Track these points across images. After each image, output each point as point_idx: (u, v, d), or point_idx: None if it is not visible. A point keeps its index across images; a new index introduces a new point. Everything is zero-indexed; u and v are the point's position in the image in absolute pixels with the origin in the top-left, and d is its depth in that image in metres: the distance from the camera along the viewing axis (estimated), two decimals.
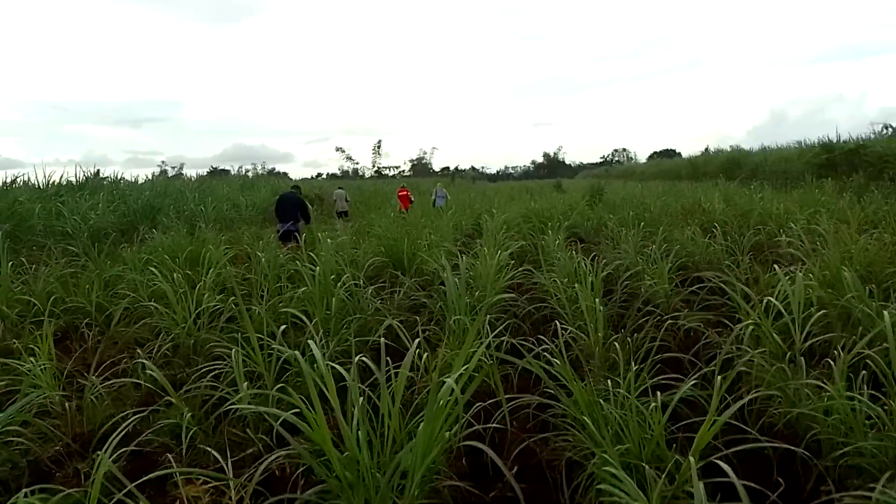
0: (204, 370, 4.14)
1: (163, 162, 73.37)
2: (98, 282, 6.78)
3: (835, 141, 20.38)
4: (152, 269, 6.64)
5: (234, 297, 5.80)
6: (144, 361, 4.16)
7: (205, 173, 36.13)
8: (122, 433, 2.94)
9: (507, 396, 3.22)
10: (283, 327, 4.25)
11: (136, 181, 20.59)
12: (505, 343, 4.53)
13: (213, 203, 17.48)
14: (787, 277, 4.41)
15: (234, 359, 3.78)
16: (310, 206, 13.03)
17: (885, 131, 21.01)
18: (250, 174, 37.80)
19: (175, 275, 6.23)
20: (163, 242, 9.32)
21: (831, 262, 5.48)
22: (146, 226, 12.70)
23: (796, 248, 6.79)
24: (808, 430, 3.19)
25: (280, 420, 2.69)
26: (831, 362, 3.42)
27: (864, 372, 3.27)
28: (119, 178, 19.75)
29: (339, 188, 21.03)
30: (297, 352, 2.94)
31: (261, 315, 4.92)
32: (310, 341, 2.92)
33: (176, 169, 40.43)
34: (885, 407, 3.00)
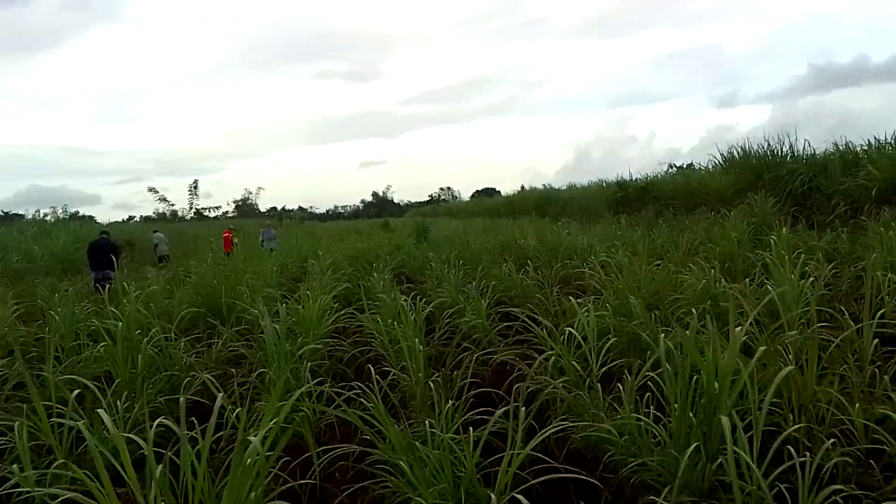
0: None
1: None
2: None
3: (628, 179, 22.76)
4: None
5: (17, 363, 5.19)
6: None
7: None
8: None
9: (326, 447, 3.18)
10: (76, 392, 3.86)
11: None
12: (325, 391, 4.47)
13: (1, 254, 15.53)
14: (584, 309, 4.82)
15: (17, 433, 3.36)
16: (119, 251, 12.45)
17: (670, 170, 23.94)
18: (49, 218, 34.07)
19: None
20: None
21: (623, 292, 6.08)
22: None
23: (596, 280, 7.45)
24: (605, 452, 3.48)
25: (65, 498, 2.44)
26: (621, 388, 3.78)
27: (648, 394, 3.66)
28: None
29: (156, 231, 19.87)
30: (82, 422, 2.68)
31: (51, 380, 4.41)
32: (100, 410, 2.67)
33: None
34: (666, 425, 3.36)
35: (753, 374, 3.07)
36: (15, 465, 3.12)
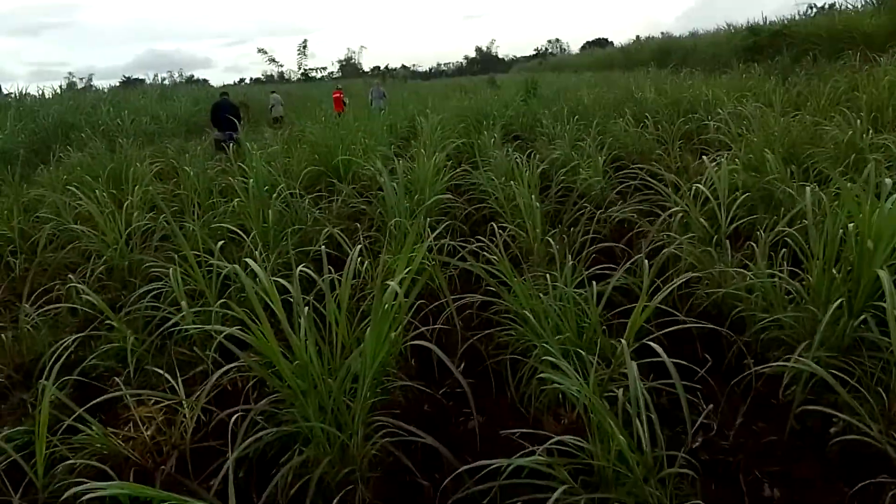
0: (142, 292, 4.05)
1: (70, 73, 68.12)
2: (17, 207, 6.42)
3: (762, 23, 20.54)
4: (73, 189, 6.30)
5: (164, 215, 5.64)
6: (78, 286, 4.05)
7: (117, 84, 33.86)
8: (64, 360, 2.90)
9: (453, 296, 3.30)
10: (220, 243, 4.17)
11: (44, 96, 19.15)
12: (446, 245, 4.58)
13: (130, 116, 16.51)
14: (714, 164, 4.55)
15: (173, 278, 3.71)
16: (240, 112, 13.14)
17: (809, 11, 21.32)
18: (167, 83, 35.60)
19: (99, 194, 5.96)
20: (81, 161, 8.83)
21: (755, 146, 5.67)
22: (60, 144, 11.94)
23: (723, 134, 6.98)
24: (732, 308, 3.40)
25: (225, 335, 2.70)
26: (754, 245, 3.62)
27: (784, 250, 3.48)
28: (24, 93, 18.36)
29: (273, 92, 20.26)
30: (237, 266, 2.90)
31: (195, 232, 4.79)
32: (247, 259, 2.87)
33: (85, 80, 37.51)
34: (803, 282, 3.22)
35: None
36: (183, 303, 3.45)
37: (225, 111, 12.21)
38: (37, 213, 6.46)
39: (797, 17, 19.89)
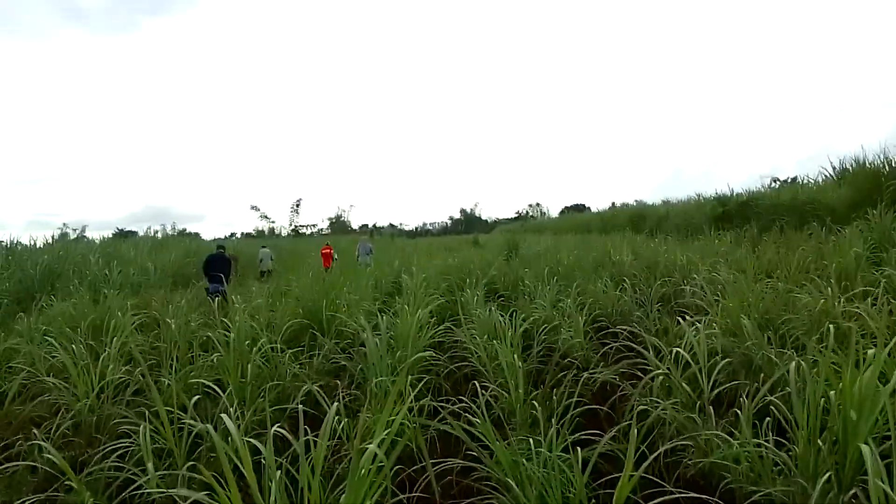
0: (108, 449, 3.87)
1: (64, 224, 69.59)
2: None
3: (729, 195, 21.78)
4: (51, 340, 6.22)
5: (140, 369, 5.53)
6: (41, 443, 3.87)
7: (110, 235, 34.50)
8: None
9: (432, 461, 3.18)
10: (194, 399, 4.07)
11: (35, 245, 19.39)
12: (426, 405, 4.50)
13: (118, 267, 16.66)
14: (693, 329, 4.63)
15: (142, 436, 3.57)
16: (234, 265, 13.44)
17: (773, 184, 22.77)
18: (160, 235, 36.38)
19: (76, 346, 5.87)
20: (63, 311, 8.79)
21: (732, 312, 5.80)
22: (45, 293, 11.93)
23: (700, 298, 7.15)
24: (720, 479, 3.31)
25: (190, 501, 2.55)
26: (738, 411, 3.59)
27: (768, 419, 3.45)
28: (16, 242, 18.60)
29: (264, 247, 20.81)
30: (209, 425, 2.81)
31: (170, 386, 4.67)
32: (223, 414, 2.79)
33: (78, 231, 38.28)
34: (790, 452, 3.16)
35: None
36: (150, 465, 3.29)
37: (216, 264, 12.64)
38: (9, 364, 6.31)
39: (762, 189, 21.16)
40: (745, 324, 5.06)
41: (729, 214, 19.60)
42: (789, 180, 23.68)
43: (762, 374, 4.44)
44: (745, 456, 3.23)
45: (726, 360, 4.53)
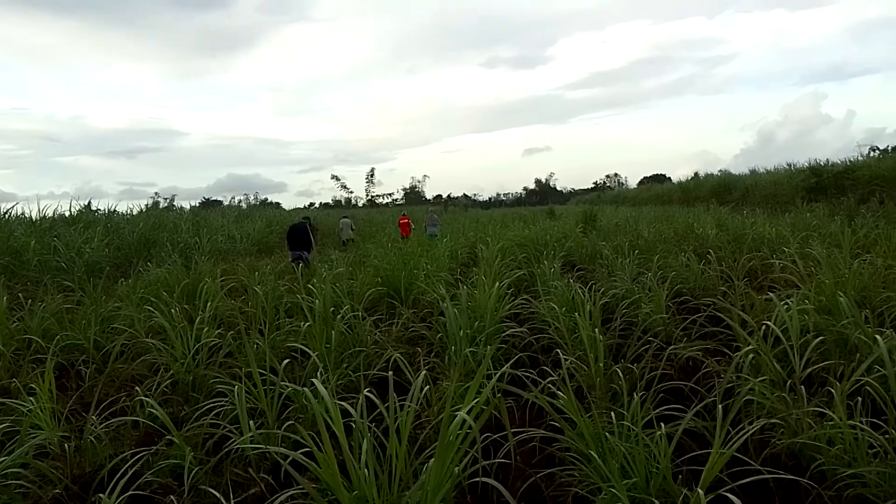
0: (205, 407, 4.11)
1: (156, 193, 73.46)
2: (95, 318, 6.74)
3: (823, 164, 20.61)
4: (149, 305, 6.61)
5: (232, 332, 5.81)
6: (144, 399, 4.14)
7: (197, 204, 36.14)
8: (121, 474, 2.93)
9: (511, 430, 3.22)
10: (285, 362, 4.24)
11: (131, 213, 20.53)
12: (506, 374, 4.52)
13: (207, 235, 17.46)
14: (784, 304, 4.45)
15: (237, 396, 3.76)
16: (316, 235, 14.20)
17: (871, 153, 21.36)
18: (243, 205, 37.82)
19: (172, 310, 6.22)
20: (159, 276, 9.30)
21: (826, 288, 5.52)
22: (141, 259, 12.66)
23: (791, 272, 6.84)
24: (811, 459, 3.20)
25: (290, 460, 2.69)
26: (831, 389, 3.45)
27: (859, 398, 3.31)
28: (113, 210, 19.73)
29: (345, 217, 21.19)
30: (306, 388, 2.94)
31: (261, 350, 4.90)
32: (314, 378, 2.91)
33: (168, 200, 40.29)
34: (887, 435, 3.02)
35: None
36: (251, 422, 3.47)
37: (299, 233, 13.03)
38: (112, 325, 6.76)
39: (860, 159, 19.89)
40: (842, 301, 4.82)
41: (823, 185, 18.55)
42: (890, 149, 22.10)
43: (857, 354, 4.23)
44: (838, 437, 3.10)
45: (819, 338, 4.33)
